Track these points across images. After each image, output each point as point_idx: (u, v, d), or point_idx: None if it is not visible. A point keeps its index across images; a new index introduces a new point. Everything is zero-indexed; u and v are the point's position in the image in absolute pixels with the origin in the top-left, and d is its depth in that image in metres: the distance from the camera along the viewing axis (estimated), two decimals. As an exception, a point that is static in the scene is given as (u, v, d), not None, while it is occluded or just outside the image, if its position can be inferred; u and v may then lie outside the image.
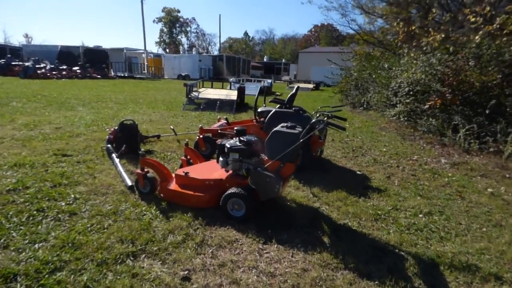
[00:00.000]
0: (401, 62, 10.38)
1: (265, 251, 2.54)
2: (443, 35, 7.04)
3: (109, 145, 4.51)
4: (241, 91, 10.97)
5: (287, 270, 2.32)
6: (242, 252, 2.51)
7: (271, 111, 4.83)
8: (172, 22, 71.38)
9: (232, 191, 2.97)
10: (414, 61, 8.63)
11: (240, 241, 2.66)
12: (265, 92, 5.84)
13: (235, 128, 3.90)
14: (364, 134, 7.57)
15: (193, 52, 38.72)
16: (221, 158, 3.28)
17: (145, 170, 3.35)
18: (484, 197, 3.91)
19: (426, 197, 3.84)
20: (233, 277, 2.19)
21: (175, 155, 4.82)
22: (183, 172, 3.29)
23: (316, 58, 36.94)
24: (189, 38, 74.69)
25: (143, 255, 2.34)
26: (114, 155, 4.20)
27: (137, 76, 29.90)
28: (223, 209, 3.02)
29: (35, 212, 2.74)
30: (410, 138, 7.28)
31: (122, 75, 28.39)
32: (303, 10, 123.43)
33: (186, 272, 2.19)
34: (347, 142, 6.68)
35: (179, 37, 74.01)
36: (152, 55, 35.76)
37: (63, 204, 2.94)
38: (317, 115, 3.33)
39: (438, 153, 6.01)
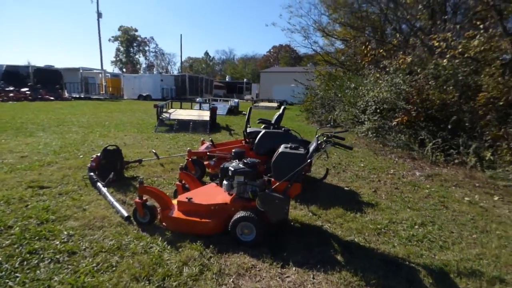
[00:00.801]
0: (365, 82, 11.09)
1: (285, 276, 2.50)
2: (410, 58, 7.68)
3: (91, 174, 4.21)
4: (213, 111, 10.92)
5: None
6: (263, 279, 2.45)
7: (259, 131, 4.86)
8: (129, 41, 69.80)
9: (242, 215, 2.91)
10: (380, 81, 9.25)
11: (257, 267, 2.60)
12: (249, 113, 5.85)
13: (233, 150, 3.87)
14: (339, 150, 7.84)
15: (154, 72, 37.99)
16: (225, 182, 3.22)
17: (144, 198, 3.17)
18: (464, 206, 4.22)
19: (415, 208, 4.05)
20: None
21: (163, 180, 4.63)
22: (186, 198, 3.16)
23: (278, 78, 38.03)
24: (147, 58, 73.38)
25: (163, 293, 2.18)
26: (99, 184, 3.92)
27: (94, 96, 28.54)
28: (232, 234, 2.93)
29: (27, 255, 2.45)
30: (381, 153, 7.68)
31: (78, 96, 26.93)
32: (263, 31, 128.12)
33: (215, 306, 2.08)
34: (325, 159, 6.87)
35: (136, 56, 72.44)
36: (109, 74, 34.51)
37: (58, 242, 2.67)
38: (317, 135, 3.41)
39: (411, 167, 6.40)
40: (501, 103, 6.47)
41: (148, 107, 19.03)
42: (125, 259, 2.52)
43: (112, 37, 68.67)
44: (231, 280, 2.39)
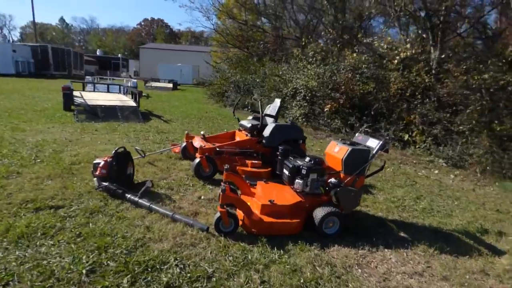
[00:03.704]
0: (283, 69, 12.06)
1: (388, 258, 2.96)
2: (353, 55, 8.87)
3: (105, 184, 3.48)
4: (138, 95, 9.77)
5: (420, 266, 2.87)
6: (378, 265, 2.84)
7: (263, 124, 4.96)
8: None
9: (329, 210, 3.16)
10: (306, 69, 10.27)
11: (361, 254, 2.96)
12: (237, 104, 5.73)
13: (281, 148, 3.93)
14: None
15: (1, 39, 29.72)
16: (298, 180, 3.34)
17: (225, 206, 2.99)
18: (425, 180, 5.55)
19: (399, 186, 5.10)
20: (405, 285, 2.55)
21: (173, 181, 4.24)
22: (268, 201, 3.15)
23: (162, 55, 35.70)
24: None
25: (332, 295, 2.32)
26: (130, 197, 3.33)
27: None
28: (319, 229, 3.15)
29: (172, 291, 2.09)
30: (318, 137, 8.77)
31: None
32: (131, 0, 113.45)
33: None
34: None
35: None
36: None
37: (178, 270, 2.32)
38: (362, 132, 3.88)
39: (353, 148, 7.64)
40: (407, 94, 8.40)
41: (16, 86, 15.20)
42: (265, 272, 2.45)
43: None
44: (360, 271, 2.69)
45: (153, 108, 11.57)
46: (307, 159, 3.48)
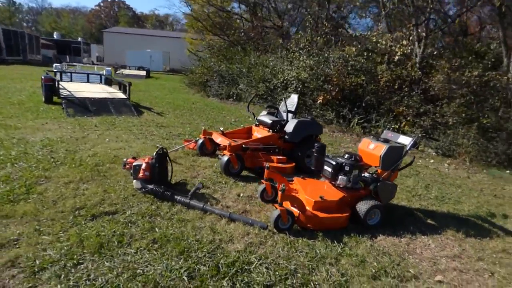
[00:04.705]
0: (270, 59, 12.12)
1: (429, 244, 3.28)
2: (353, 49, 9.12)
3: (151, 186, 3.44)
4: (128, 87, 9.33)
5: (455, 250, 3.23)
6: (422, 251, 3.15)
7: (281, 120, 5.08)
8: None
9: (372, 203, 3.41)
10: (298, 61, 10.41)
11: (405, 242, 3.26)
12: (252, 99, 5.74)
13: (316, 144, 4.07)
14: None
15: None
16: (342, 176, 3.54)
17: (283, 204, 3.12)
18: (425, 169, 6.02)
19: (406, 175, 5.50)
20: (452, 267, 2.88)
21: (204, 180, 4.24)
22: (319, 197, 3.32)
23: (128, 40, 33.91)
24: None
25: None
26: (181, 198, 3.33)
27: None
28: (364, 221, 3.40)
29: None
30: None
31: None
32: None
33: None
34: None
35: None
36: None
37: (265, 270, 2.44)
38: (390, 129, 4.14)
39: (350, 140, 8.03)
40: (395, 87, 8.90)
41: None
42: (339, 265, 2.64)
43: None
44: (411, 257, 2.97)
45: (137, 99, 11.14)
46: (347, 155, 3.69)
